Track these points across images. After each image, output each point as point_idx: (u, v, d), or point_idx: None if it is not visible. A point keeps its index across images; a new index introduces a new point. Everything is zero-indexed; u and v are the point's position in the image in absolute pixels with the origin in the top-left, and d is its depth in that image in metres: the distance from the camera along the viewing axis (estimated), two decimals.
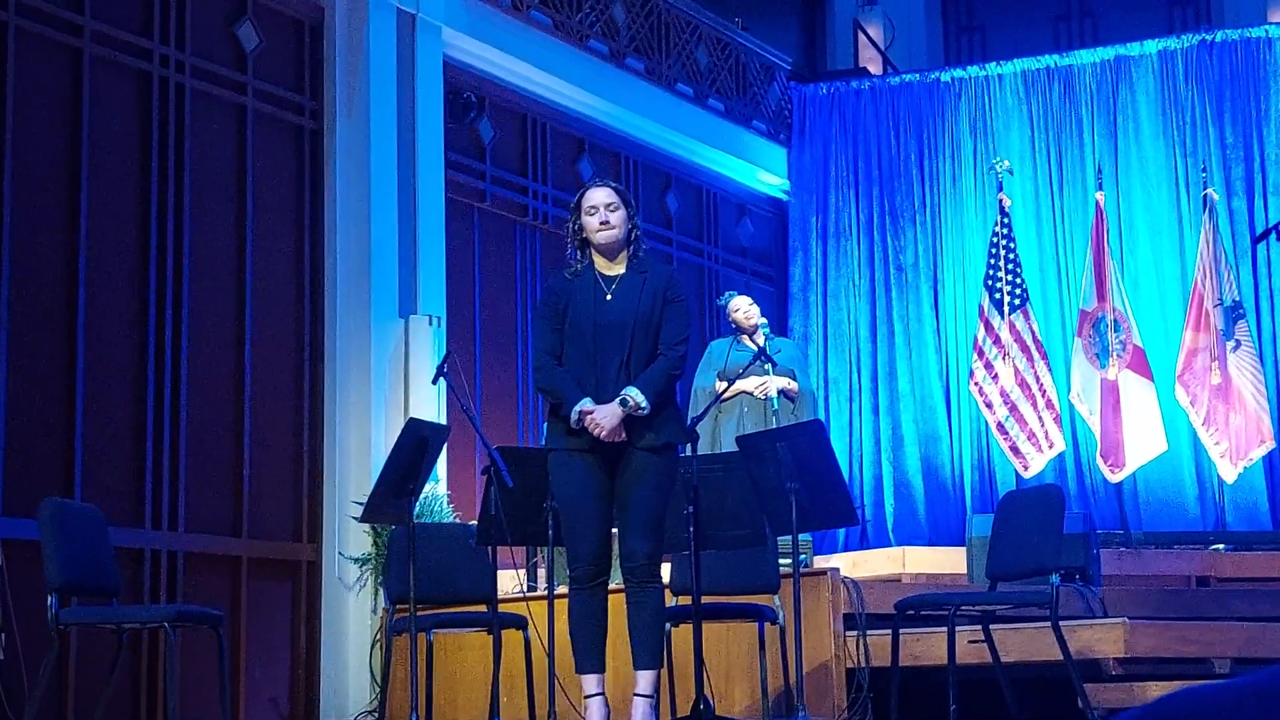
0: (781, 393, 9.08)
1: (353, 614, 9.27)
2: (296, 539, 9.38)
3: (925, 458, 13.05)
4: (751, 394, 9.07)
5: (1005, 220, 11.88)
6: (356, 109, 9.80)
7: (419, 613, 6.67)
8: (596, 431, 5.84)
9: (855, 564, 10.34)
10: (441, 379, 6.75)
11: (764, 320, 9.24)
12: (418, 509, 6.92)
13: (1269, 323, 12.31)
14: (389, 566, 7.59)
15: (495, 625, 6.91)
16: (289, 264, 9.60)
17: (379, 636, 9.07)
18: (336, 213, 9.72)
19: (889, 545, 12.14)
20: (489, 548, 6.95)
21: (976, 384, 11.83)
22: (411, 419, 6.93)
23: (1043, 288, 12.84)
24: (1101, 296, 11.62)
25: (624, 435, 5.88)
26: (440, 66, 10.36)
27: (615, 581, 6.09)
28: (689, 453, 6.08)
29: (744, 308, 9.24)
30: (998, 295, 11.75)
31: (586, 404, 5.87)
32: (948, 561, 10.32)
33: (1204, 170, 12.34)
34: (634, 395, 5.85)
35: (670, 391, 6.02)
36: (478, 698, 8.30)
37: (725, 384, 8.44)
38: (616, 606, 6.01)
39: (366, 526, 9.08)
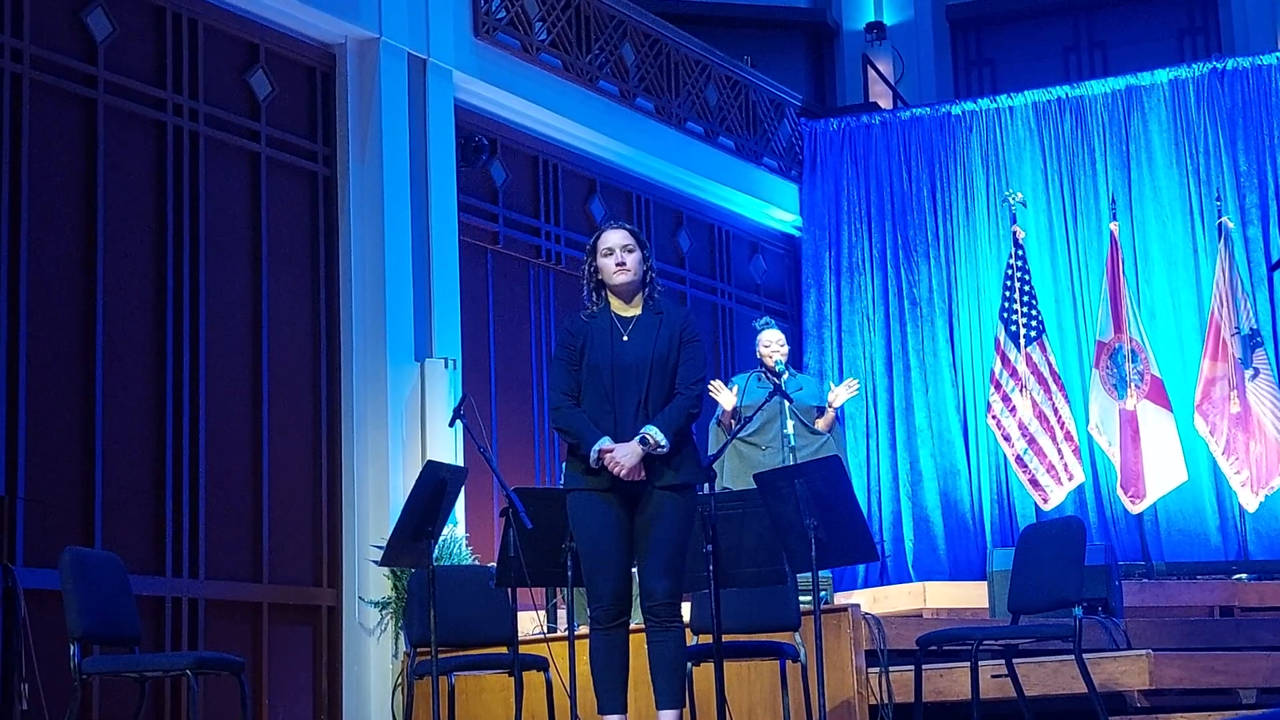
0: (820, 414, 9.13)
1: (374, 658, 9.26)
2: (316, 584, 9.38)
3: (944, 492, 13.01)
4: (787, 434, 8.97)
5: (1020, 252, 11.88)
6: (369, 154, 9.83)
7: (440, 655, 6.68)
8: (616, 470, 5.85)
9: (876, 600, 10.32)
10: (458, 421, 6.75)
11: (782, 358, 9.14)
12: (437, 552, 6.91)
13: None
14: (409, 610, 7.59)
15: (516, 667, 6.89)
16: (305, 310, 9.62)
17: (400, 680, 9.06)
18: (351, 258, 9.75)
19: (909, 581, 12.09)
20: (508, 589, 6.94)
21: (994, 417, 11.81)
22: (429, 461, 6.92)
23: (1059, 319, 12.82)
24: (1118, 327, 11.61)
25: (643, 474, 5.88)
26: (451, 110, 10.39)
27: (636, 621, 6.08)
28: (707, 491, 6.08)
29: (773, 344, 9.16)
30: (1014, 328, 11.73)
31: (606, 443, 5.88)
32: (969, 596, 10.29)
33: (1218, 199, 12.33)
34: (653, 434, 5.86)
35: (688, 430, 6.03)
36: None
37: (736, 422, 8.41)
38: (638, 646, 6.00)
39: (386, 570, 9.07)
